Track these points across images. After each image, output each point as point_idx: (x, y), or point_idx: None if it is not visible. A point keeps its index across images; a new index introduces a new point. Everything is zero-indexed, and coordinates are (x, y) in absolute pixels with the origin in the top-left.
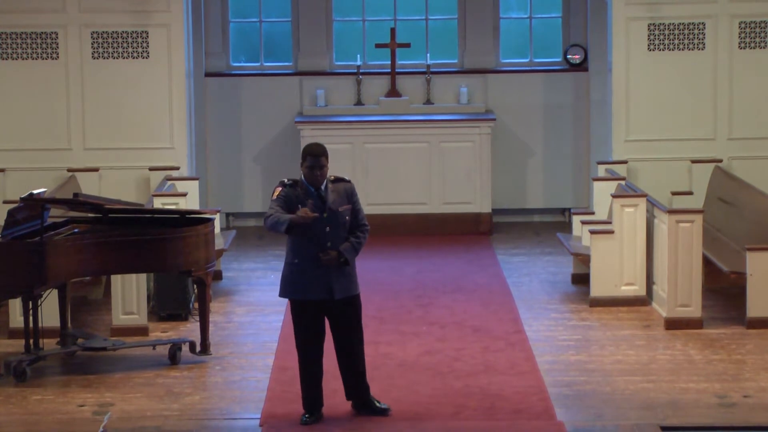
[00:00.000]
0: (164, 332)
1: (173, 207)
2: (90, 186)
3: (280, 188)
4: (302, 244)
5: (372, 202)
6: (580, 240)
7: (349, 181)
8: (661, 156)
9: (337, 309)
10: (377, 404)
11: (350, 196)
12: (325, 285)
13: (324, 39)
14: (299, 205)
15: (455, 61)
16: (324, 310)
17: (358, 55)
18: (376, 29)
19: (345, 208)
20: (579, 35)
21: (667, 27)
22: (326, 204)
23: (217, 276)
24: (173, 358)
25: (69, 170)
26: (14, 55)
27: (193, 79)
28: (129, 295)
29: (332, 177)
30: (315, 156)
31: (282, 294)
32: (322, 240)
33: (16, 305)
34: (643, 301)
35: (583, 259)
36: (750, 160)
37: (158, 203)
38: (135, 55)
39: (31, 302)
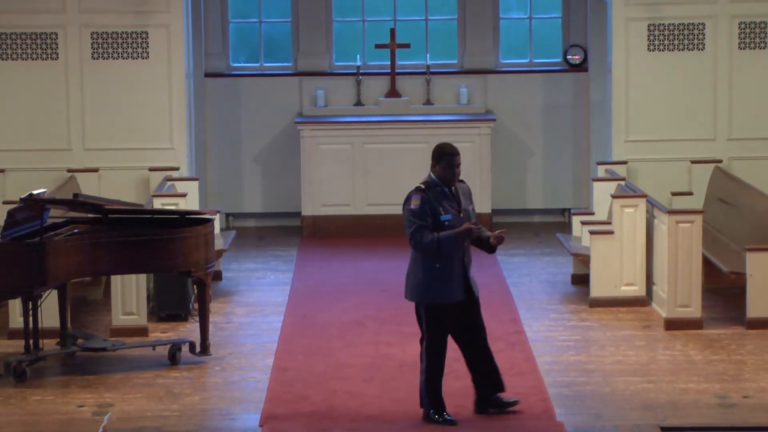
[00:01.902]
0: (164, 333)
1: (173, 207)
2: (90, 186)
3: (419, 195)
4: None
5: (372, 203)
6: (579, 240)
7: (465, 182)
8: (661, 156)
9: (468, 308)
10: (505, 400)
11: (470, 196)
12: (464, 286)
13: (324, 39)
14: (440, 208)
15: (455, 61)
16: (458, 311)
17: (358, 56)
18: (376, 30)
19: (471, 208)
20: (579, 36)
21: (666, 27)
22: (461, 204)
23: (217, 276)
24: (173, 359)
25: (69, 170)
26: (14, 56)
27: (192, 80)
28: (129, 295)
29: None
30: (452, 155)
31: (422, 299)
32: (462, 240)
33: (15, 306)
34: (643, 301)
35: (583, 260)
36: (750, 161)
37: (158, 204)
38: (135, 55)
39: (30, 303)
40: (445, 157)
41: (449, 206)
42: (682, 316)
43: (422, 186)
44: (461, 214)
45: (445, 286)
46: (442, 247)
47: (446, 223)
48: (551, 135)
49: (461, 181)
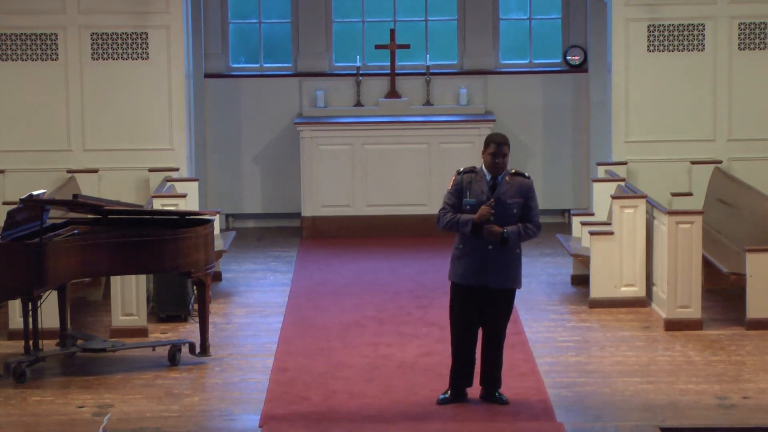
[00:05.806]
0: (164, 333)
1: (173, 208)
2: (89, 187)
3: (454, 177)
4: None
5: (371, 203)
6: (579, 241)
7: (528, 178)
8: (661, 157)
9: (490, 298)
10: (497, 396)
11: (525, 192)
12: (482, 273)
13: (323, 40)
14: (468, 192)
15: (455, 62)
16: (480, 297)
17: (358, 57)
18: (376, 30)
19: (514, 201)
20: (578, 36)
21: (666, 28)
22: (495, 192)
23: (217, 277)
24: (173, 360)
25: (68, 171)
26: (14, 57)
27: (192, 80)
28: (128, 296)
29: (513, 170)
30: (498, 144)
31: (449, 275)
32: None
33: (15, 306)
34: (643, 302)
35: (583, 261)
36: (750, 162)
37: (158, 204)
38: (134, 56)
39: (30, 303)
40: (491, 145)
41: (480, 192)
42: (682, 317)
43: (461, 169)
44: (491, 201)
45: (460, 267)
46: (459, 227)
47: (467, 207)
48: (551, 136)
49: (525, 176)
